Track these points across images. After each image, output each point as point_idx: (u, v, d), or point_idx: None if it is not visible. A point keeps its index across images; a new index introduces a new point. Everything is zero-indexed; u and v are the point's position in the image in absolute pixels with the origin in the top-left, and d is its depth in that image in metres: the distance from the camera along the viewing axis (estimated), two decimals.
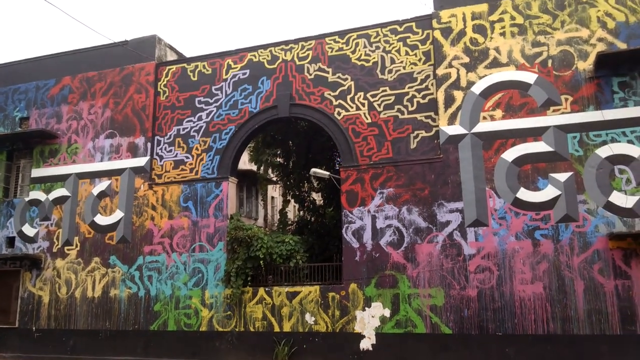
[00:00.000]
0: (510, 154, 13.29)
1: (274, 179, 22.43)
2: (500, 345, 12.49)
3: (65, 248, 16.97)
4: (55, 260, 16.99)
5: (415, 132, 14.21)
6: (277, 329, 14.31)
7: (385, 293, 13.55)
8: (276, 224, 23.93)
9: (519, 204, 13.01)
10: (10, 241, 17.82)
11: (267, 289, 14.63)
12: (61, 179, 17.56)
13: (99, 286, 16.32)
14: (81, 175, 17.34)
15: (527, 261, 12.70)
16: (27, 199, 17.87)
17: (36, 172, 18.00)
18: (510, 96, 13.52)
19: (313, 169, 15.11)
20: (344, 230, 14.26)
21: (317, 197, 21.09)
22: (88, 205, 17.01)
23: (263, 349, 14.22)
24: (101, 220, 16.76)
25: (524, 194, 13.01)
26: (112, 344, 15.75)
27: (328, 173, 14.91)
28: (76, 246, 16.86)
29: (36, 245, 17.36)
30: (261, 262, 14.51)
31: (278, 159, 18.31)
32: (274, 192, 26.34)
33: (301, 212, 19.98)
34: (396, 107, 14.49)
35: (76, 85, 18.11)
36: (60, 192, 17.47)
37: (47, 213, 17.47)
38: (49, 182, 17.71)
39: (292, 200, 19.50)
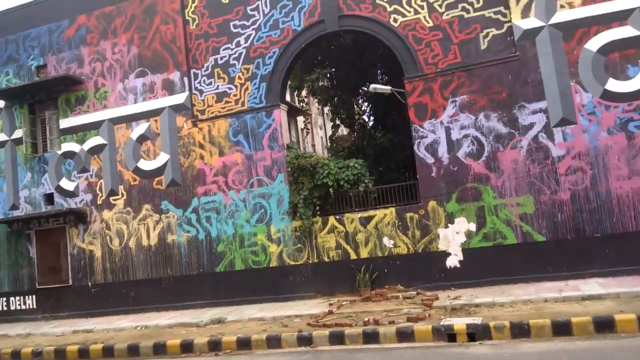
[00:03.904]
0: (594, 43, 12.17)
1: (316, 105, 21.28)
2: (599, 246, 11.87)
3: (111, 198, 16.03)
4: (102, 212, 16.09)
5: (485, 31, 13.00)
6: (353, 256, 13.66)
7: (468, 207, 12.80)
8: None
9: (608, 96, 12.03)
10: (49, 198, 16.84)
11: (337, 217, 13.86)
12: (94, 127, 16.36)
13: (154, 233, 15.52)
14: (115, 120, 16.14)
15: (623, 156, 11.88)
16: (59, 152, 16.73)
17: (65, 123, 16.76)
18: None
19: (373, 85, 13.98)
20: (415, 146, 13.33)
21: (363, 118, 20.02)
22: (128, 151, 15.91)
23: (342, 278, 13.61)
24: (145, 165, 15.73)
25: (614, 85, 12.01)
26: (178, 291, 15.12)
27: (389, 87, 13.80)
28: (122, 195, 15.92)
29: (78, 199, 16.40)
30: (330, 189, 13.67)
31: (321, 82, 17.08)
32: (301, 123, 25.23)
33: (352, 136, 18.99)
34: (460, 5, 13.19)
35: (93, 23, 16.56)
36: (95, 140, 16.32)
37: (84, 164, 16.39)
38: (81, 132, 16.52)
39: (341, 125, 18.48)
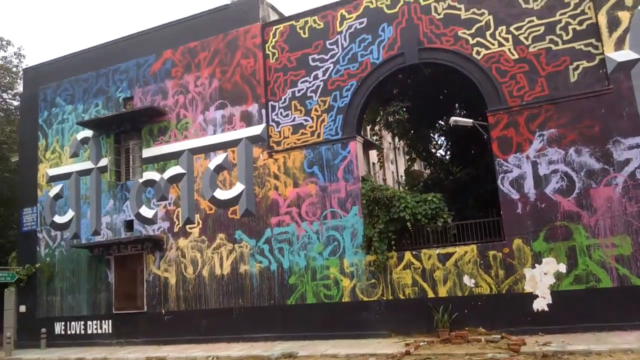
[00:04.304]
0: None
1: (388, 139, 21.11)
2: None
3: (187, 227, 16.33)
4: (178, 240, 16.39)
5: (575, 64, 12.44)
6: (431, 294, 13.08)
7: (558, 247, 12.02)
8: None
9: None
10: (129, 224, 17.38)
11: (414, 253, 13.40)
12: (174, 157, 16.88)
13: (227, 263, 15.59)
14: (195, 151, 16.58)
15: None
16: (141, 181, 17.33)
17: (147, 152, 17.41)
18: None
19: (454, 118, 13.63)
20: (499, 181, 12.77)
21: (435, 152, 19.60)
22: (206, 181, 16.25)
23: (418, 317, 13.04)
24: (221, 194, 15.97)
25: None
26: (248, 322, 15.01)
27: (471, 120, 13.38)
28: (198, 224, 16.17)
29: (156, 227, 16.82)
30: (408, 223, 13.26)
31: (397, 116, 16.83)
32: (373, 157, 25.05)
33: (428, 170, 18.59)
34: (547, 37, 12.74)
35: (178, 57, 17.28)
36: (174, 170, 16.81)
37: (163, 192, 16.86)
38: (161, 161, 17.07)
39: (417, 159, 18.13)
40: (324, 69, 15.15)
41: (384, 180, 25.29)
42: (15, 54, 27.33)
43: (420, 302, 13.11)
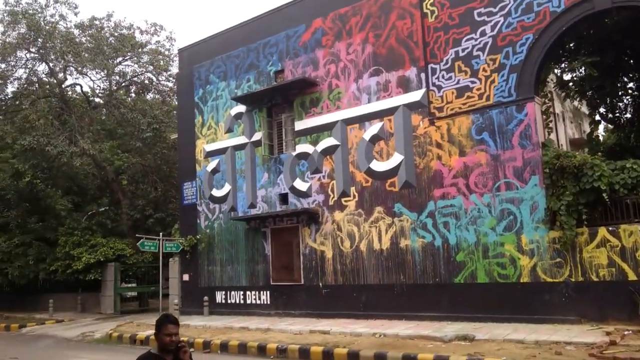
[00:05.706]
0: None
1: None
2: None
3: (343, 199, 15.84)
4: (334, 213, 15.98)
5: None
6: (632, 276, 11.24)
7: None
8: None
9: None
10: (284, 198, 17.35)
11: (610, 229, 11.58)
12: (327, 128, 16.41)
13: (385, 237, 14.86)
14: (348, 121, 15.96)
15: None
16: (294, 153, 17.15)
17: (299, 125, 17.14)
18: None
19: None
20: None
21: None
22: (361, 152, 15.58)
23: (615, 302, 11.32)
24: (378, 166, 15.21)
25: None
26: (410, 299, 14.22)
27: None
28: (354, 197, 15.61)
29: (311, 200, 16.57)
30: (604, 194, 11.46)
31: (582, 72, 14.65)
32: None
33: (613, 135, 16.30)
34: None
35: (328, 25, 16.66)
36: (328, 141, 16.35)
37: (317, 165, 16.51)
38: (314, 133, 16.71)
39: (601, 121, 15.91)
40: (492, 23, 13.60)
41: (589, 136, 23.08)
42: (167, 37, 29.00)
43: (618, 285, 11.33)
